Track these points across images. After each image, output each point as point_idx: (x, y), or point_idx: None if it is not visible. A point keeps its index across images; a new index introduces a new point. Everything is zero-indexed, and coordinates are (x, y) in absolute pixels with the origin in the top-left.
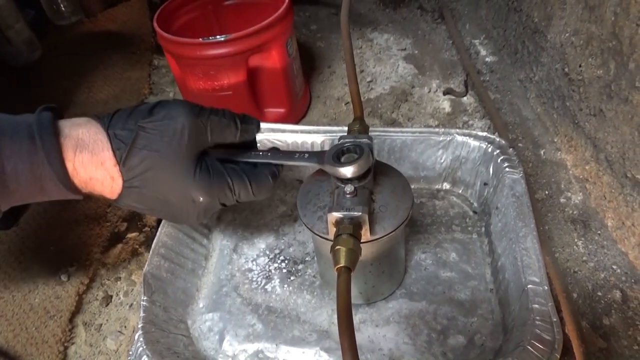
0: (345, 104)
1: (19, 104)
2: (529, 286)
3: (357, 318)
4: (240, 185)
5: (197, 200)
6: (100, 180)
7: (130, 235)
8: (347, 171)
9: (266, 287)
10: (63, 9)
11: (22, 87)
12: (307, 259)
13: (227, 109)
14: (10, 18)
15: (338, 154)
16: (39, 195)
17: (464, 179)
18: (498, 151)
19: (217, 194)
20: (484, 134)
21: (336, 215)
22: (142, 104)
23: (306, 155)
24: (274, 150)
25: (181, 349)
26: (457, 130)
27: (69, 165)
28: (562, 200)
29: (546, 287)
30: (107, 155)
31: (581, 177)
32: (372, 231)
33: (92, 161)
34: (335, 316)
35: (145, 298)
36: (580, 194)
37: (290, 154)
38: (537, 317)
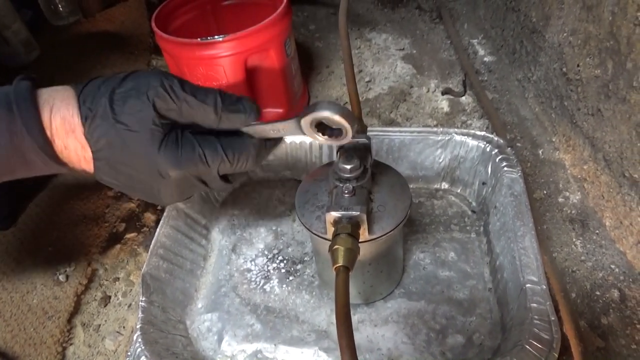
0: (344, 104)
1: None
2: (527, 285)
3: (355, 318)
4: (214, 156)
5: (165, 175)
6: (74, 150)
7: (128, 235)
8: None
9: (265, 287)
10: (61, 9)
11: None
12: (305, 259)
13: (217, 91)
14: (7, 18)
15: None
16: (24, 168)
17: (462, 178)
18: (496, 150)
19: (188, 167)
20: (482, 133)
21: (334, 214)
22: (119, 73)
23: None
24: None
25: (180, 350)
26: (456, 129)
27: (48, 133)
28: (560, 199)
29: (544, 286)
30: (76, 122)
31: (579, 176)
32: (370, 231)
33: (64, 127)
34: (334, 316)
35: (143, 298)
36: (579, 193)
37: (267, 124)
38: (536, 316)
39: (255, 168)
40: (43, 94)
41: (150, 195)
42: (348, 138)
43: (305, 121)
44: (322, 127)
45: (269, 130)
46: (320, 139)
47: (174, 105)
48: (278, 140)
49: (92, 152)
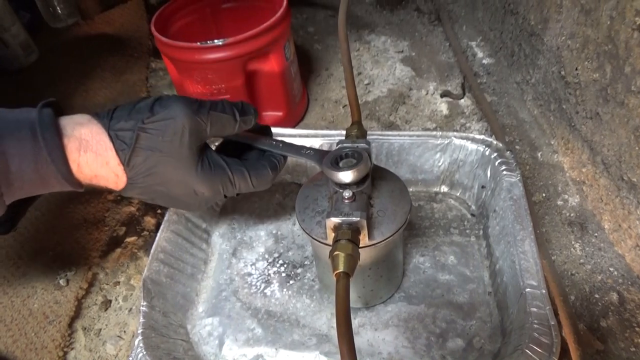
0: (343, 107)
1: (15, 107)
2: (527, 289)
3: (356, 322)
4: (240, 178)
5: (199, 193)
6: (105, 177)
7: (129, 239)
8: (346, 176)
9: (265, 291)
10: (59, 11)
11: (18, 90)
12: (306, 262)
13: (226, 101)
14: (6, 21)
15: (336, 159)
16: (42, 189)
17: (461, 182)
18: (495, 154)
19: (219, 187)
20: (482, 137)
21: (334, 220)
22: (141, 100)
23: (311, 152)
24: (284, 142)
25: (181, 354)
26: (455, 133)
27: (74, 166)
28: (559, 202)
29: (544, 291)
30: (111, 155)
31: (578, 179)
32: (370, 236)
33: (96, 161)
34: (335, 320)
35: (144, 303)
36: (577, 196)
37: (297, 147)
38: (535, 321)
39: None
40: (67, 125)
41: (177, 206)
42: (364, 164)
43: (327, 158)
44: (339, 159)
45: (298, 157)
46: (340, 174)
47: (202, 125)
48: (283, 164)
49: (128, 178)
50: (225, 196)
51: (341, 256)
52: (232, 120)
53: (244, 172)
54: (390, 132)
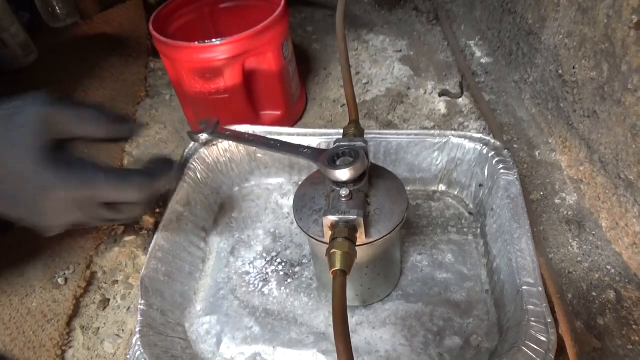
0: (342, 106)
1: None
2: (524, 287)
3: (353, 320)
4: (94, 176)
5: (50, 196)
6: None
7: (127, 238)
8: (342, 174)
9: (263, 289)
10: (58, 11)
11: (17, 90)
12: (304, 261)
13: (101, 105)
14: (5, 21)
15: (333, 157)
16: None
17: (459, 180)
18: (493, 153)
19: (70, 186)
20: (479, 135)
21: (331, 218)
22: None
23: (308, 151)
24: (281, 142)
25: (179, 352)
26: (453, 132)
27: None
28: (557, 201)
29: (541, 289)
30: None
31: (576, 178)
32: (367, 234)
33: None
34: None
35: (142, 302)
36: (575, 194)
37: (295, 146)
38: (532, 318)
39: (142, 200)
40: None
41: (31, 215)
42: (361, 162)
43: (324, 157)
44: (336, 157)
45: (296, 156)
46: (337, 172)
47: (56, 118)
48: (166, 180)
49: None
50: (86, 208)
51: (338, 254)
52: (95, 125)
53: (96, 167)
54: (388, 131)
